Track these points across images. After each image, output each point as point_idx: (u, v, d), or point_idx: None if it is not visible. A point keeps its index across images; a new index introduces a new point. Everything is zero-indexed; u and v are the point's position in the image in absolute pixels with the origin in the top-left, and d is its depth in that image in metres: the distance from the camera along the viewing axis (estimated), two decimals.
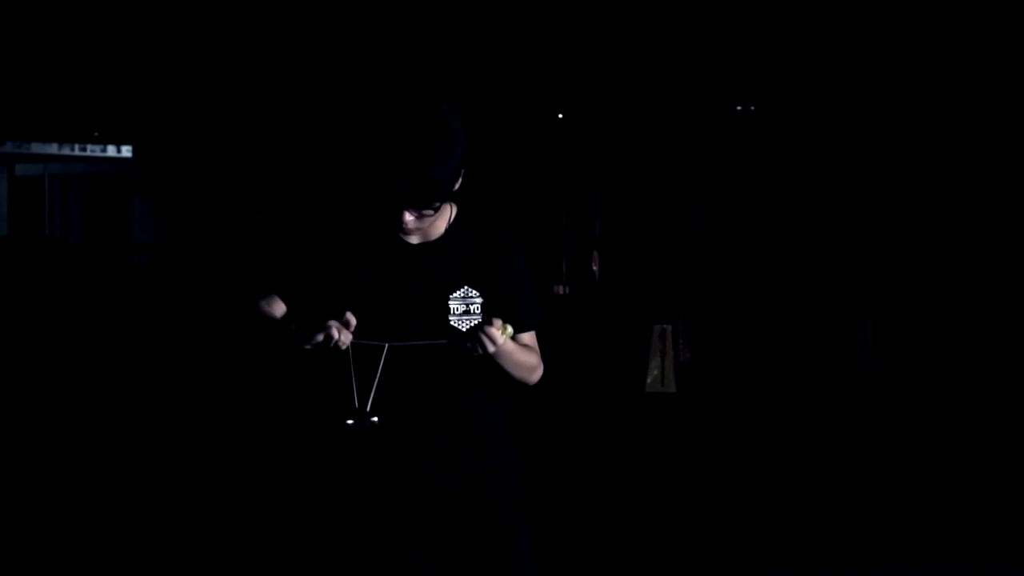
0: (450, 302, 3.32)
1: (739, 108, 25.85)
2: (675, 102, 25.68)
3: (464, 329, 3.29)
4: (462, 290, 3.34)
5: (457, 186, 3.28)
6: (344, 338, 3.24)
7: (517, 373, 3.34)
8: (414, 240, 3.35)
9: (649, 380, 12.18)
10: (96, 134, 38.57)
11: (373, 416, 3.33)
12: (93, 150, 41.80)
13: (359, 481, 3.42)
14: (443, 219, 3.35)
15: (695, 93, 25.35)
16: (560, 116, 26.84)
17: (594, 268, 28.38)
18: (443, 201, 3.25)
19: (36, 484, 8.06)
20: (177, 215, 30.44)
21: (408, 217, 3.24)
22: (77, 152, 42.01)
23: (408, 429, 3.34)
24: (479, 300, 3.34)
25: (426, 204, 3.21)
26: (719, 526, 7.05)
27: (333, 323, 3.22)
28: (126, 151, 39.80)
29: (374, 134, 3.25)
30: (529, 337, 3.42)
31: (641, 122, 26.54)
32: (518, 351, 3.32)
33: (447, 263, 3.34)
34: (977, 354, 15.61)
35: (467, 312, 3.33)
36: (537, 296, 3.46)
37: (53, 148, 41.44)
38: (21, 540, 6.70)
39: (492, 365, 3.33)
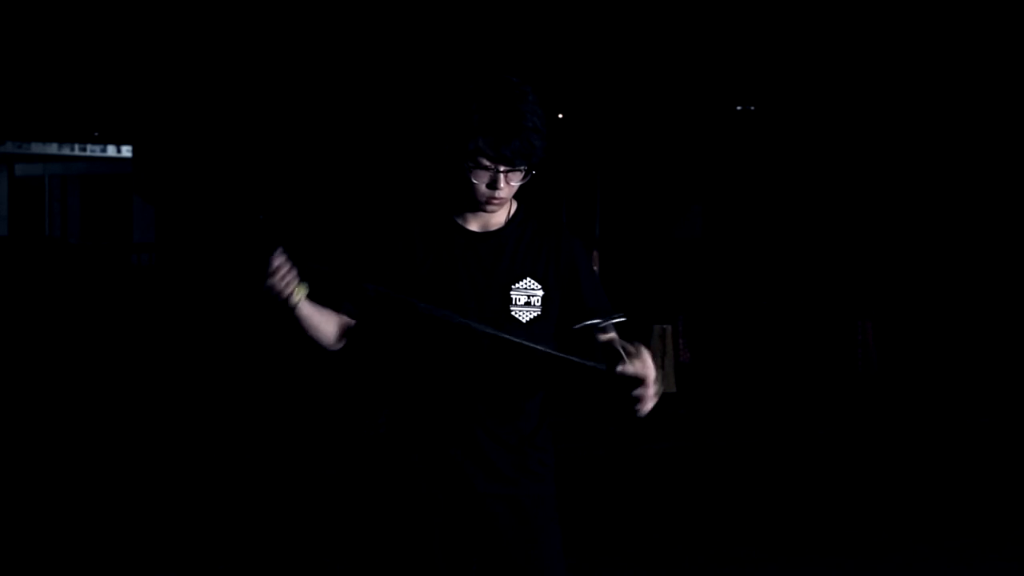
0: (512, 293, 3.31)
1: (739, 108, 25.85)
2: (675, 102, 25.67)
3: (524, 321, 3.28)
4: (524, 281, 3.32)
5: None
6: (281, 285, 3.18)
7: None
8: (474, 227, 3.35)
9: None
10: (96, 134, 38.55)
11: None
12: (93, 150, 41.78)
13: (393, 479, 3.37)
14: (504, 211, 3.35)
15: (695, 93, 25.34)
16: (560, 116, 26.85)
17: (594, 268, 28.37)
18: (536, 167, 3.25)
19: (36, 484, 8.06)
20: (177, 215, 30.43)
21: (501, 184, 3.24)
22: (77, 152, 41.99)
23: (450, 428, 3.31)
24: (540, 293, 3.33)
25: (526, 160, 3.21)
26: (719, 526, 7.05)
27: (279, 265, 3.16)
28: (126, 151, 39.79)
29: (468, 98, 3.22)
30: (610, 335, 3.38)
31: (641, 122, 26.53)
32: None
33: (509, 253, 3.33)
34: (977, 354, 15.61)
35: (528, 304, 3.32)
36: (603, 290, 3.45)
37: (53, 148, 41.41)
38: (21, 540, 6.70)
39: (545, 369, 3.33)
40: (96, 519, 7.11)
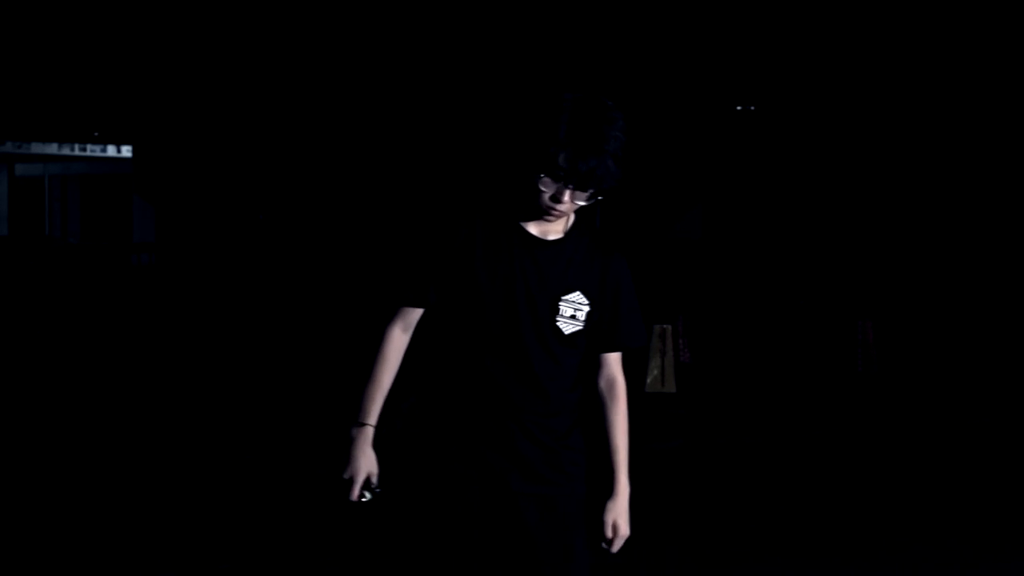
0: (560, 303, 3.35)
1: (739, 108, 25.84)
2: (675, 102, 25.67)
3: (566, 332, 3.35)
4: (574, 295, 3.37)
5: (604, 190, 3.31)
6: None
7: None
8: (533, 231, 3.37)
9: (649, 380, 12.17)
10: (96, 134, 38.55)
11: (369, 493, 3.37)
12: (93, 150, 41.78)
13: (427, 475, 3.40)
14: (562, 221, 3.39)
15: (695, 93, 25.34)
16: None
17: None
18: (605, 191, 3.29)
19: (36, 484, 8.06)
20: (177, 215, 30.43)
21: (565, 199, 3.27)
22: (77, 152, 42.00)
23: (486, 427, 3.34)
24: (586, 308, 3.38)
25: (596, 186, 3.26)
26: (719, 526, 7.05)
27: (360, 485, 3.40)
28: (126, 151, 39.79)
29: (559, 109, 3.25)
30: (617, 357, 3.48)
31: (641, 122, 26.54)
32: (624, 437, 3.52)
33: (564, 264, 3.37)
34: (977, 354, 15.60)
35: (573, 317, 3.37)
36: (640, 314, 3.50)
37: (53, 148, 41.42)
38: (21, 540, 6.70)
39: (581, 372, 3.41)
40: (96, 519, 7.11)
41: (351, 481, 3.39)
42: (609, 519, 3.45)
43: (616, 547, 3.48)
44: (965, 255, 22.62)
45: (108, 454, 8.98)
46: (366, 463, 3.41)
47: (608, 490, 3.47)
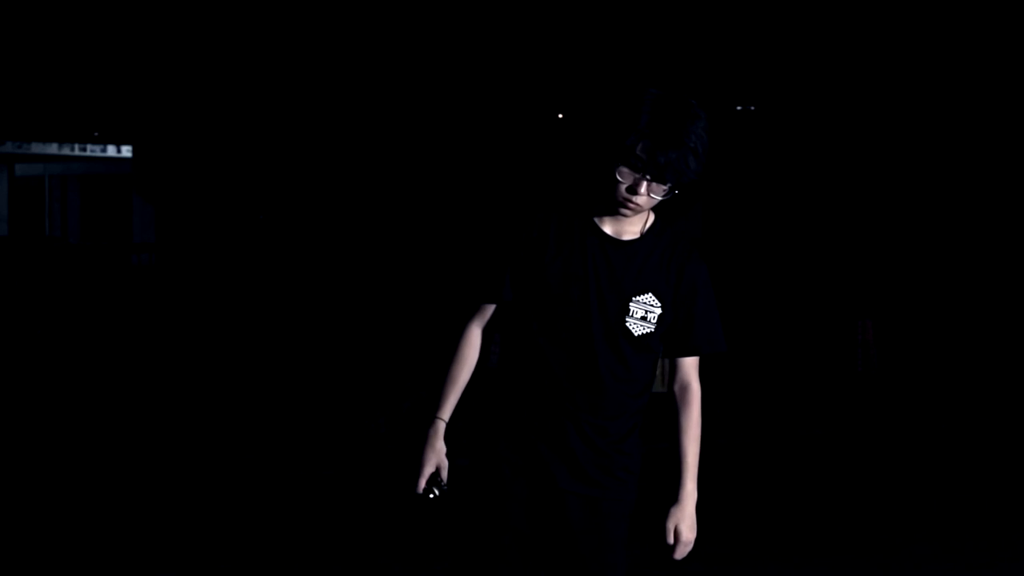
0: (631, 304, 3.34)
1: (739, 108, 25.84)
2: None
3: (636, 334, 3.34)
4: (646, 296, 3.35)
5: (679, 187, 3.31)
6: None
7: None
8: (609, 231, 3.36)
9: None
10: (96, 134, 38.55)
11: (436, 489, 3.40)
12: (93, 150, 41.77)
13: (478, 464, 3.42)
14: (640, 220, 3.38)
15: (695, 93, 25.33)
16: (560, 116, 26.85)
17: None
18: (683, 185, 3.29)
19: (36, 484, 8.06)
20: (177, 215, 30.42)
21: (642, 191, 3.25)
22: (77, 152, 41.98)
23: (545, 425, 3.35)
24: (658, 310, 3.37)
25: (674, 179, 3.24)
26: (719, 526, 7.05)
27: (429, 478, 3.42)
28: (126, 151, 39.78)
29: (642, 101, 3.25)
30: (693, 362, 3.47)
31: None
32: (695, 444, 3.48)
33: (637, 265, 3.35)
34: (977, 354, 15.60)
35: (644, 319, 3.36)
36: (719, 319, 3.49)
37: (53, 148, 41.40)
38: (21, 540, 6.70)
39: (647, 380, 3.41)
40: (96, 519, 7.11)
41: (418, 474, 3.38)
42: (671, 525, 3.45)
43: (679, 554, 3.50)
44: (965, 255, 22.62)
45: (108, 454, 8.98)
46: (434, 457, 3.42)
47: (674, 496, 3.44)
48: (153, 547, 6.55)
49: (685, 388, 3.47)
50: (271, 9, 24.44)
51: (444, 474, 3.43)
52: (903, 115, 23.65)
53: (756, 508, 7.54)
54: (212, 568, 6.25)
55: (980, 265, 22.29)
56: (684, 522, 3.45)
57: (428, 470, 3.41)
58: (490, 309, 3.44)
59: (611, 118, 3.27)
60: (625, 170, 3.25)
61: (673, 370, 3.49)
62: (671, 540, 3.46)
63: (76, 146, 41.75)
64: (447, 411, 3.45)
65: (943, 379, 13.70)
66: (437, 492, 3.42)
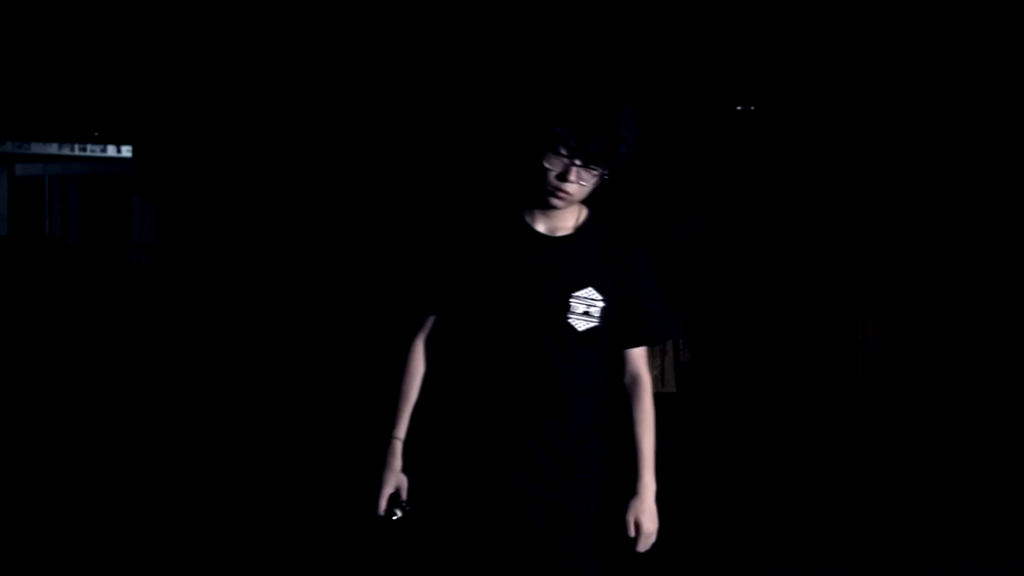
0: (571, 300, 3.31)
1: (739, 108, 25.84)
2: (675, 102, 25.67)
3: (580, 329, 3.31)
4: (586, 291, 3.32)
5: (600, 180, 3.29)
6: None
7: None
8: (542, 229, 3.34)
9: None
10: (96, 134, 38.55)
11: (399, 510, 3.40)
12: (93, 150, 41.77)
13: (440, 477, 3.40)
14: (573, 215, 3.35)
15: (695, 93, 25.33)
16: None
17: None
18: (612, 169, 3.26)
19: (36, 484, 8.06)
20: (177, 215, 30.42)
21: (572, 178, 3.23)
22: (77, 152, 41.98)
23: (502, 431, 3.32)
24: (601, 304, 3.33)
25: (603, 161, 3.22)
26: (719, 526, 7.05)
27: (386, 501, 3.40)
28: (126, 151, 39.78)
29: (568, 90, 3.24)
30: (641, 352, 3.45)
31: (641, 122, 26.53)
32: (649, 434, 3.40)
33: (574, 260, 3.32)
34: (977, 354, 15.61)
35: (586, 314, 3.32)
36: (664, 307, 3.46)
37: (53, 148, 41.40)
38: (21, 540, 6.70)
39: (601, 374, 3.37)
40: (96, 519, 7.11)
41: (378, 496, 3.39)
42: (631, 518, 3.40)
43: (642, 546, 3.45)
44: (965, 255, 22.62)
45: (108, 454, 8.98)
46: (392, 477, 3.40)
47: (632, 488, 3.42)
48: (153, 547, 6.55)
49: (635, 379, 3.44)
50: (271, 9, 24.45)
51: (404, 494, 3.41)
52: (903, 115, 23.65)
53: (756, 508, 7.54)
54: (212, 568, 6.25)
55: (980, 265, 22.29)
56: (644, 514, 3.40)
57: (387, 491, 3.39)
58: (431, 321, 3.42)
59: (537, 107, 3.27)
60: (553, 157, 3.23)
61: (623, 363, 3.44)
62: (632, 533, 3.42)
63: (76, 146, 41.75)
64: (402, 429, 3.43)
65: (943, 379, 13.70)
66: (400, 513, 3.39)
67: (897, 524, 7.17)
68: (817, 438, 10.11)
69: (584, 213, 3.38)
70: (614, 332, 3.40)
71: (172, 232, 30.80)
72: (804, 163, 25.35)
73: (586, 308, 3.32)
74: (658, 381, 12.14)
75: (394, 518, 3.39)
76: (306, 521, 7.08)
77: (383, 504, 3.39)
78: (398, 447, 3.41)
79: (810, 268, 23.76)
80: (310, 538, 6.73)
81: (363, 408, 10.56)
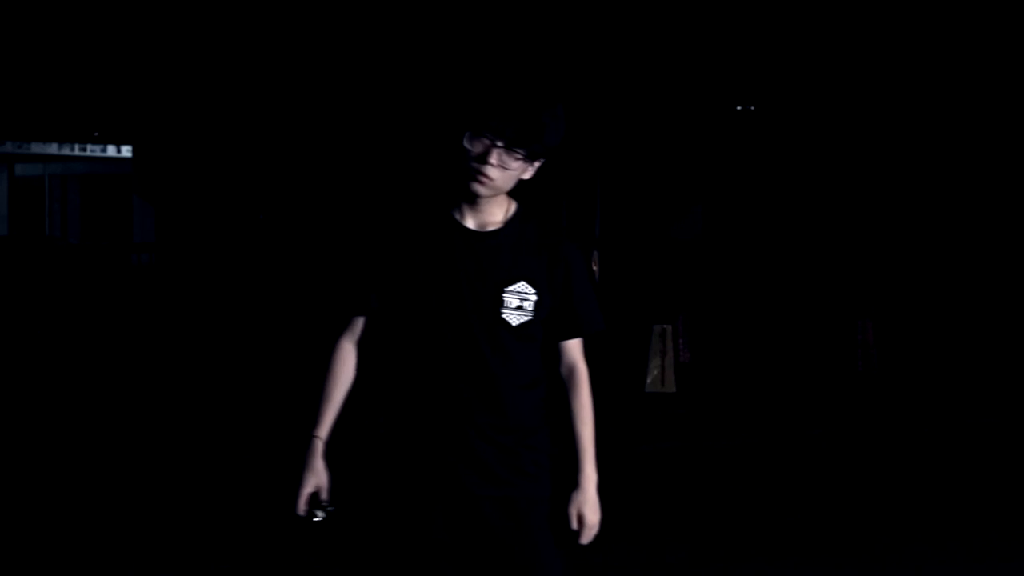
0: (504, 295, 3.29)
1: (739, 108, 25.85)
2: (675, 102, 25.67)
3: (514, 324, 3.29)
4: (518, 285, 3.30)
5: (532, 172, 3.29)
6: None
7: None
8: (471, 225, 3.33)
9: (649, 380, 12.17)
10: (96, 134, 38.56)
11: (321, 511, 3.37)
12: (93, 150, 41.78)
13: (389, 486, 3.39)
14: (501, 210, 3.33)
15: (695, 93, 25.34)
16: None
17: (594, 268, 28.40)
18: (534, 156, 3.24)
19: (36, 484, 8.06)
20: (177, 215, 30.43)
21: (493, 160, 3.21)
22: (77, 152, 41.99)
23: (444, 432, 3.30)
24: (534, 297, 3.31)
25: (524, 143, 3.19)
26: (719, 526, 7.05)
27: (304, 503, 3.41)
28: (126, 151, 39.80)
29: (492, 79, 3.25)
30: (577, 344, 3.44)
31: (641, 122, 26.54)
32: (588, 425, 3.40)
33: (504, 255, 3.30)
34: (977, 354, 15.61)
35: (520, 308, 3.30)
36: (596, 299, 3.45)
37: (53, 148, 41.42)
38: (21, 540, 6.70)
39: (539, 368, 3.35)
40: (96, 519, 7.11)
41: (297, 496, 3.35)
42: (574, 510, 3.38)
43: (585, 538, 3.43)
44: (965, 255, 22.63)
45: (108, 454, 8.98)
46: (313, 477, 3.40)
47: (573, 481, 3.40)
48: (153, 547, 6.55)
49: (572, 370, 3.42)
50: (271, 10, 24.45)
51: (325, 494, 3.38)
52: (903, 116, 23.66)
53: (756, 508, 7.54)
54: (212, 568, 6.25)
55: (980, 265, 22.29)
56: (587, 505, 3.39)
57: (307, 491, 3.37)
58: (360, 322, 3.40)
59: (459, 93, 3.29)
60: (474, 139, 3.21)
61: (559, 356, 3.43)
62: (575, 525, 3.40)
63: (76, 146, 41.76)
64: (324, 429, 3.42)
65: (943, 379, 13.70)
66: (322, 514, 3.37)
67: (897, 524, 7.17)
68: (817, 438, 10.11)
69: (512, 207, 3.35)
70: (548, 325, 3.38)
71: (172, 232, 30.81)
72: (804, 163, 25.36)
73: (519, 302, 3.30)
74: (658, 381, 12.13)
75: (315, 519, 3.36)
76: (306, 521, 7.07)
77: (302, 504, 3.37)
78: (319, 446, 3.40)
79: (810, 268, 23.78)
80: (309, 538, 6.73)
81: (362, 408, 10.57)
